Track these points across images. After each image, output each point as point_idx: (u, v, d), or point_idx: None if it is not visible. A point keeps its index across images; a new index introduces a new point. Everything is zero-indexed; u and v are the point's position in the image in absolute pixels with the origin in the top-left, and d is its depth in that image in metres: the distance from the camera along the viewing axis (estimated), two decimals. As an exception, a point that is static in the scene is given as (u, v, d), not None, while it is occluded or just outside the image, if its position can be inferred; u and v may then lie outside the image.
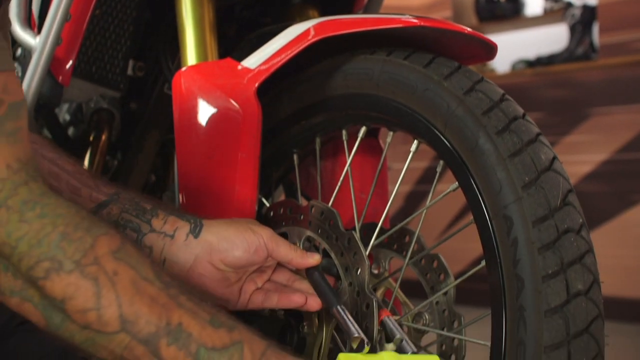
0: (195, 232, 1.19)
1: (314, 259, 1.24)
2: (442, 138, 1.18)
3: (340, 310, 1.18)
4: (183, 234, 1.18)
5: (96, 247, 0.89)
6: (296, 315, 1.31)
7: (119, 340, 0.89)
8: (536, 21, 5.85)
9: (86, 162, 1.85)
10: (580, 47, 5.44)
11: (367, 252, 1.23)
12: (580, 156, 5.01)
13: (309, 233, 1.30)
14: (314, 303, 1.23)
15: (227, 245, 1.18)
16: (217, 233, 1.19)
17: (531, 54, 5.69)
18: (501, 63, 5.70)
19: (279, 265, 1.28)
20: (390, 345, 1.16)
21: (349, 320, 1.15)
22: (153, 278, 0.92)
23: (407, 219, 1.32)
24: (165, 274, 0.95)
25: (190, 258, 1.18)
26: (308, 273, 1.25)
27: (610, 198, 4.98)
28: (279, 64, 1.31)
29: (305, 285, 1.26)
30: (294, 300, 1.23)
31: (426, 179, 5.50)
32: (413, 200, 5.57)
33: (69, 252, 0.88)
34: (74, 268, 0.87)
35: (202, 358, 0.91)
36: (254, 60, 1.34)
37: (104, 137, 1.86)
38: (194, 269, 1.18)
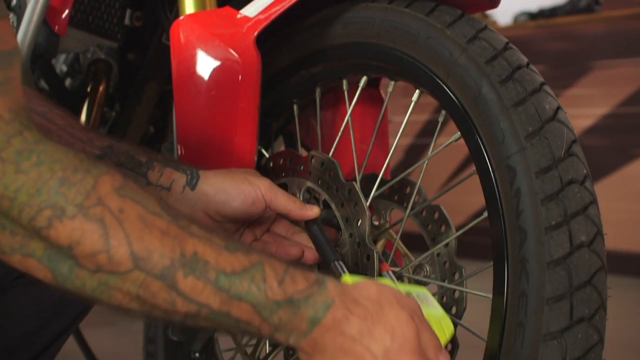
0: (192, 184, 1.17)
1: (313, 211, 1.23)
2: (444, 87, 1.17)
3: (338, 266, 1.17)
4: (179, 186, 1.17)
5: (98, 187, 0.86)
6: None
7: (133, 278, 0.86)
8: (539, -28, 5.79)
9: (84, 114, 1.84)
10: (583, -1, 5.40)
11: (368, 203, 1.22)
12: (582, 110, 4.99)
13: (309, 184, 1.29)
14: (311, 256, 1.22)
15: (224, 197, 1.17)
16: (213, 185, 1.18)
17: (533, 6, 5.64)
18: (503, 15, 5.66)
19: (279, 216, 1.27)
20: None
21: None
22: (161, 211, 0.89)
23: (409, 170, 1.30)
24: (172, 208, 0.91)
25: (187, 210, 1.17)
26: (307, 226, 1.24)
27: (611, 152, 4.97)
28: (278, 12, 1.29)
29: (304, 237, 1.25)
30: (291, 253, 1.22)
31: (427, 132, 5.49)
32: (414, 153, 5.56)
33: (70, 196, 0.85)
34: (77, 212, 0.84)
35: (222, 284, 0.88)
36: (253, 9, 1.32)
37: (101, 89, 1.84)
38: None
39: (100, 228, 0.85)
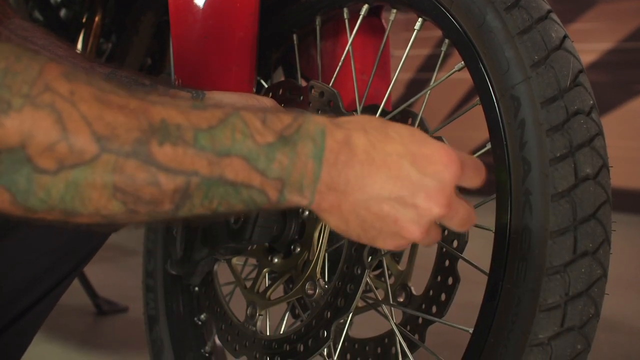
0: (198, 100, 1.15)
1: None
2: (448, 15, 1.14)
3: None
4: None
5: (44, 73, 0.74)
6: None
7: (103, 164, 0.74)
8: None
9: (79, 45, 1.82)
10: None
11: (369, 135, 1.20)
12: (585, 45, 4.95)
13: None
14: None
15: None
16: (220, 100, 1.15)
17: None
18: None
19: None
20: None
21: None
22: (114, 88, 0.77)
23: (411, 100, 1.28)
24: (127, 87, 0.79)
25: None
26: None
27: (613, 88, 4.95)
28: (278, -63, 1.26)
29: None
30: None
31: (428, 66, 5.45)
32: (415, 87, 5.53)
33: (15, 87, 0.73)
34: (24, 102, 0.72)
35: (203, 141, 0.77)
36: None
37: (97, 19, 1.82)
38: None
39: (52, 113, 0.73)
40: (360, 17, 1.29)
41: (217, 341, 1.57)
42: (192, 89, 1.17)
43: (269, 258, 1.33)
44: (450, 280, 1.17)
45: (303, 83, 1.35)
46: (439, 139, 1.25)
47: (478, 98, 1.11)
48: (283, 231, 1.29)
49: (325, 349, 1.25)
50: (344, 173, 0.83)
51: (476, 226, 1.16)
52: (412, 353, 1.21)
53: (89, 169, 0.74)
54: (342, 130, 0.84)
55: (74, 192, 0.75)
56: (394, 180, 0.84)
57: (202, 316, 1.57)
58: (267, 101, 1.17)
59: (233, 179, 0.79)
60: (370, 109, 1.31)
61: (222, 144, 0.78)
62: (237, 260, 1.46)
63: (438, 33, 1.19)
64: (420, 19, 1.22)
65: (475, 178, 0.90)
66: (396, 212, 0.85)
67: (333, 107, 1.23)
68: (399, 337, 1.22)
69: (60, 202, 0.75)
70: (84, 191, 0.75)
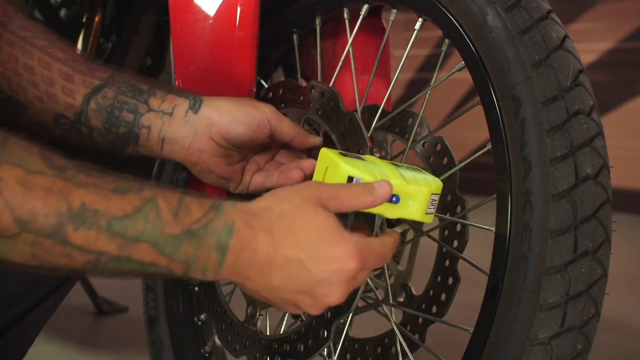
0: (195, 107, 1.15)
1: (316, 139, 1.21)
2: (448, 15, 1.14)
3: None
4: (182, 111, 1.15)
5: None
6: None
7: (23, 240, 0.85)
8: None
9: (79, 45, 1.82)
10: None
11: (369, 134, 1.20)
12: (585, 45, 4.95)
13: (308, 114, 1.27)
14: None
15: (229, 119, 1.15)
16: (217, 107, 1.16)
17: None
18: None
19: (282, 148, 1.25)
20: None
21: None
22: (43, 167, 0.86)
23: (411, 100, 1.28)
24: (58, 158, 0.89)
25: (190, 134, 1.15)
26: (311, 155, 1.23)
27: (613, 88, 4.95)
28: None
29: (307, 163, 1.22)
30: (292, 177, 1.20)
31: (428, 66, 5.45)
32: (415, 87, 5.53)
33: None
34: None
35: (115, 229, 0.87)
36: None
37: (97, 19, 1.82)
38: (194, 145, 1.15)
39: None
40: (360, 17, 1.29)
41: (217, 341, 1.57)
42: (190, 94, 1.17)
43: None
44: (450, 280, 1.17)
45: (303, 83, 1.35)
46: (440, 139, 1.25)
47: (478, 98, 1.11)
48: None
49: (325, 349, 1.25)
50: (245, 268, 0.92)
51: (476, 226, 1.16)
52: (412, 353, 1.21)
53: (11, 241, 0.85)
54: (249, 230, 0.92)
55: None
56: (291, 281, 0.93)
57: (202, 316, 1.57)
58: (266, 108, 1.17)
59: (140, 260, 0.89)
60: (370, 109, 1.31)
61: (133, 232, 0.87)
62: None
63: (438, 33, 1.19)
64: (420, 19, 1.22)
65: (380, 263, 0.99)
66: (295, 299, 0.95)
67: (333, 107, 1.23)
68: (399, 337, 1.22)
69: None
70: (8, 253, 0.86)
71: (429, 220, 1.10)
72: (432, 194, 1.07)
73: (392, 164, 1.12)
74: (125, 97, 1.16)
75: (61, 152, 0.89)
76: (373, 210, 1.03)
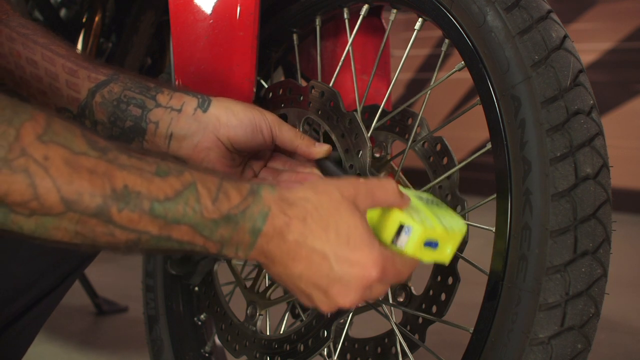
0: (204, 106, 1.16)
1: (323, 149, 1.21)
2: (448, 15, 1.14)
3: None
4: (191, 108, 1.16)
5: (21, 137, 0.84)
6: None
7: (68, 218, 0.87)
8: None
9: (79, 45, 1.82)
10: None
11: (369, 134, 1.20)
12: (585, 45, 4.95)
13: (308, 114, 1.27)
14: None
15: (236, 121, 1.16)
16: (226, 108, 1.17)
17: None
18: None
19: (276, 152, 1.25)
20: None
21: None
22: (87, 149, 0.88)
23: (411, 100, 1.28)
24: (100, 139, 0.91)
25: (199, 132, 1.16)
26: (318, 163, 1.23)
27: (613, 88, 4.94)
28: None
29: (304, 168, 1.23)
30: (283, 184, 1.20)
31: (428, 66, 5.45)
32: (415, 87, 5.53)
33: None
34: (1, 166, 0.84)
35: (157, 211, 0.89)
36: None
37: (97, 19, 1.82)
38: (202, 142, 1.16)
39: (26, 178, 0.84)
40: (361, 17, 1.28)
41: (217, 341, 1.57)
42: (198, 93, 1.18)
43: (269, 258, 1.33)
44: (450, 280, 1.17)
45: (303, 83, 1.34)
46: (439, 139, 1.25)
47: (478, 98, 1.11)
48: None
49: (325, 349, 1.25)
50: (272, 253, 0.95)
51: (477, 226, 1.16)
52: (412, 353, 1.21)
53: (57, 219, 0.86)
54: (284, 217, 0.94)
55: (42, 230, 0.87)
56: (312, 272, 0.95)
57: (202, 316, 1.57)
58: (269, 115, 1.17)
59: (179, 239, 0.92)
60: (370, 109, 1.30)
61: (173, 215, 0.90)
62: (237, 260, 1.46)
63: (438, 33, 1.19)
64: (420, 19, 1.22)
65: (396, 280, 1.00)
66: (310, 292, 0.97)
67: (333, 107, 1.23)
68: (399, 337, 1.22)
69: (30, 233, 0.88)
70: (50, 231, 0.88)
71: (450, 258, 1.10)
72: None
73: (422, 199, 1.11)
74: (132, 92, 1.16)
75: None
76: (410, 253, 1.04)
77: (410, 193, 1.10)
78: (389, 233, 1.02)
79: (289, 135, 1.20)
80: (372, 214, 1.06)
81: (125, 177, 0.88)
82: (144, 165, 0.90)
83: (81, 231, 0.88)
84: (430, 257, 1.06)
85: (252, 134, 1.16)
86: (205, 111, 1.16)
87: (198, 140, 1.16)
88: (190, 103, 1.16)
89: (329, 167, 1.21)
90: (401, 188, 1.10)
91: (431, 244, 1.04)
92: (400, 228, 1.03)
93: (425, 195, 1.11)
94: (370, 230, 0.96)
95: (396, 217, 1.03)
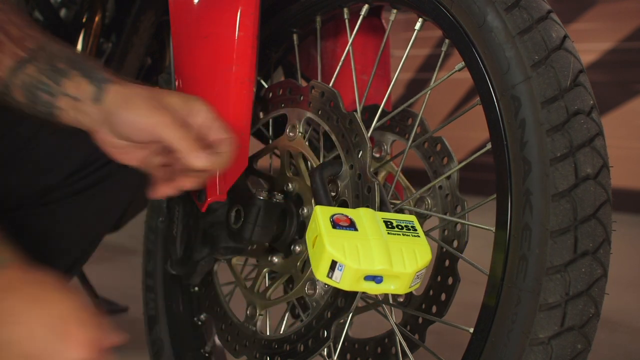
0: (98, 97, 1.13)
1: (200, 161, 1.10)
2: (448, 15, 1.14)
3: None
4: (87, 99, 1.13)
5: None
6: (296, 200, 1.29)
7: None
8: None
9: (79, 45, 1.81)
10: None
11: (369, 134, 1.20)
12: (585, 45, 4.95)
13: (309, 114, 1.27)
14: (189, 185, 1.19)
15: (125, 117, 1.11)
16: (116, 104, 1.12)
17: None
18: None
19: None
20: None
21: None
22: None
23: (411, 100, 1.28)
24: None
25: (94, 123, 1.13)
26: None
27: (613, 88, 4.94)
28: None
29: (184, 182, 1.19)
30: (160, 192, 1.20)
31: (428, 66, 5.45)
32: (415, 87, 5.52)
33: None
34: None
35: None
36: None
37: (97, 19, 1.81)
38: (98, 133, 1.14)
39: None
40: (361, 17, 1.28)
41: (217, 341, 1.57)
42: (102, 80, 1.13)
43: (269, 258, 1.33)
44: (450, 280, 1.17)
45: (303, 83, 1.34)
46: (439, 139, 1.25)
47: (478, 98, 1.11)
48: (283, 231, 1.29)
49: (325, 349, 1.25)
50: None
51: (477, 226, 1.16)
52: (412, 353, 1.21)
53: None
54: None
55: None
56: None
57: (202, 316, 1.57)
58: (159, 116, 1.12)
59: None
60: (370, 109, 1.30)
61: None
62: (237, 260, 1.46)
63: (438, 33, 1.19)
64: (420, 19, 1.22)
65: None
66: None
67: (333, 107, 1.23)
68: (399, 337, 1.22)
69: None
70: None
71: (412, 289, 1.10)
72: (417, 272, 1.07)
73: (385, 221, 1.11)
74: (44, 76, 1.14)
75: None
76: (347, 288, 1.04)
77: (379, 216, 1.10)
78: (324, 267, 1.03)
79: (171, 136, 1.11)
80: (310, 235, 1.07)
81: None
82: None
83: None
84: (377, 290, 1.06)
85: (140, 133, 1.12)
86: (98, 102, 1.12)
87: (95, 131, 1.14)
88: (87, 92, 1.13)
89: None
90: (365, 210, 1.11)
91: (374, 278, 1.05)
92: (335, 263, 1.03)
93: (403, 219, 1.11)
94: None
95: (328, 253, 1.04)
